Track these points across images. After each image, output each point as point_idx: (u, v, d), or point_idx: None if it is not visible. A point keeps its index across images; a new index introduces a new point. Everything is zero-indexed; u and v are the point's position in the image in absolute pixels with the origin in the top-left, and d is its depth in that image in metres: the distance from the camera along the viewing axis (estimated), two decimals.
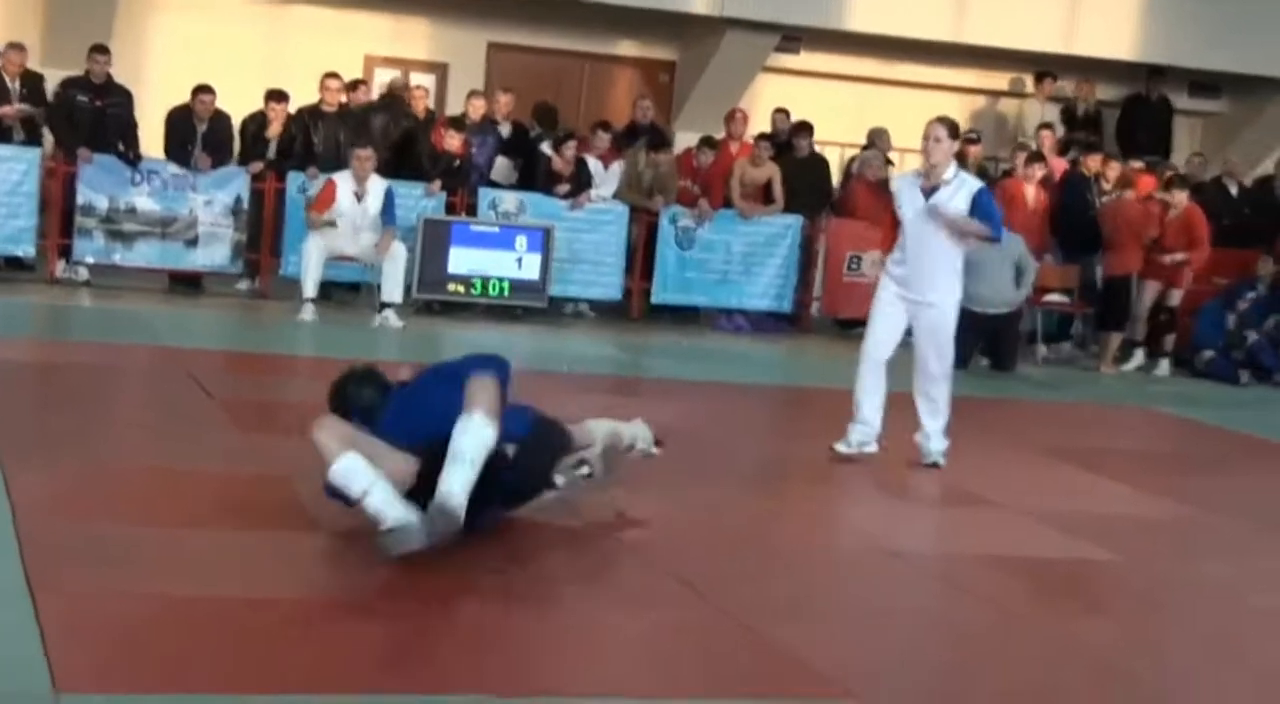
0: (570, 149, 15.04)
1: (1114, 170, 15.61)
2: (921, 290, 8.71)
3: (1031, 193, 15.45)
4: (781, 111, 16.70)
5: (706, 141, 15.79)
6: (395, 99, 15.72)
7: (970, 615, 6.20)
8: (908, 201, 8.71)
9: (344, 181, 13.32)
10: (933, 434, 8.94)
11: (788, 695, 5.07)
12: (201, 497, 6.88)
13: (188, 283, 14.60)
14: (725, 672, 5.23)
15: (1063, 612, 6.38)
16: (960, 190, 8.62)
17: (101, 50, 14.31)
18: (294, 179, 14.37)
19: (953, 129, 8.66)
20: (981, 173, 16.52)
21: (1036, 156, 15.71)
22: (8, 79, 14.12)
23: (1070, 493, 8.89)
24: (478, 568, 5.98)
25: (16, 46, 14.30)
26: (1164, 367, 14.95)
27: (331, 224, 13.20)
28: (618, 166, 15.31)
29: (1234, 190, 17.04)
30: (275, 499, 6.90)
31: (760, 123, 17.00)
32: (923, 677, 5.41)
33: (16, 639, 4.78)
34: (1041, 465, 9.70)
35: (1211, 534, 8.21)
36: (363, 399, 6.40)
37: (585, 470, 6.65)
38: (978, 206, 8.60)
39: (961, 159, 16.29)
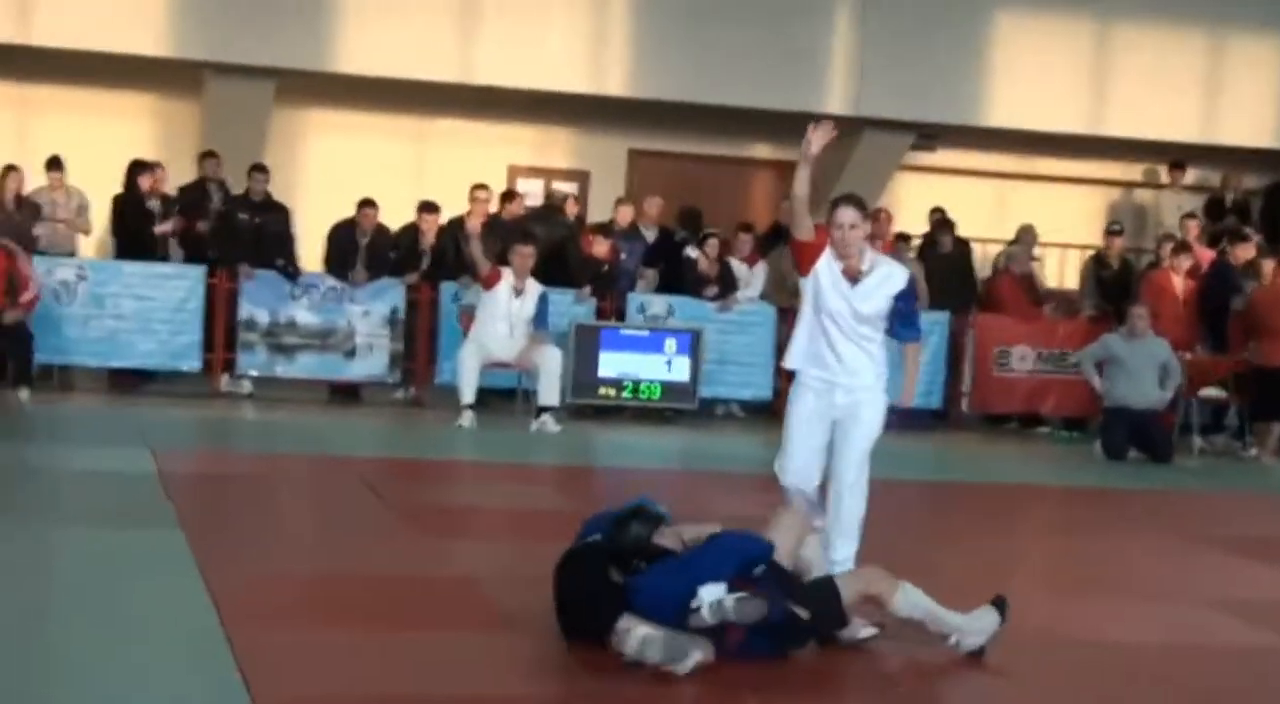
0: (714, 249, 15.24)
1: (1270, 264, 15.42)
2: (851, 387, 7.46)
3: (1179, 284, 15.42)
4: (937, 210, 16.79)
5: None
6: (553, 209, 16.06)
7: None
8: (832, 294, 7.35)
9: (506, 276, 13.62)
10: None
11: None
12: (398, 600, 7.04)
13: (346, 392, 14.91)
14: None
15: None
16: (886, 284, 7.36)
17: (260, 169, 14.80)
18: (447, 288, 14.69)
19: (862, 207, 7.36)
20: (1125, 265, 16.56)
21: (1183, 247, 15.68)
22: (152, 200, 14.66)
23: (1242, 582, 8.83)
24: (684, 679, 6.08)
25: (149, 166, 14.77)
26: None
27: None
28: (762, 267, 15.50)
29: None
30: (469, 601, 7.06)
31: (900, 220, 17.12)
32: None
33: None
34: (1207, 555, 9.64)
35: None
36: (639, 536, 6.37)
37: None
38: (904, 301, 7.42)
39: (1105, 252, 16.41)
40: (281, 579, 7.32)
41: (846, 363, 7.40)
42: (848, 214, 7.25)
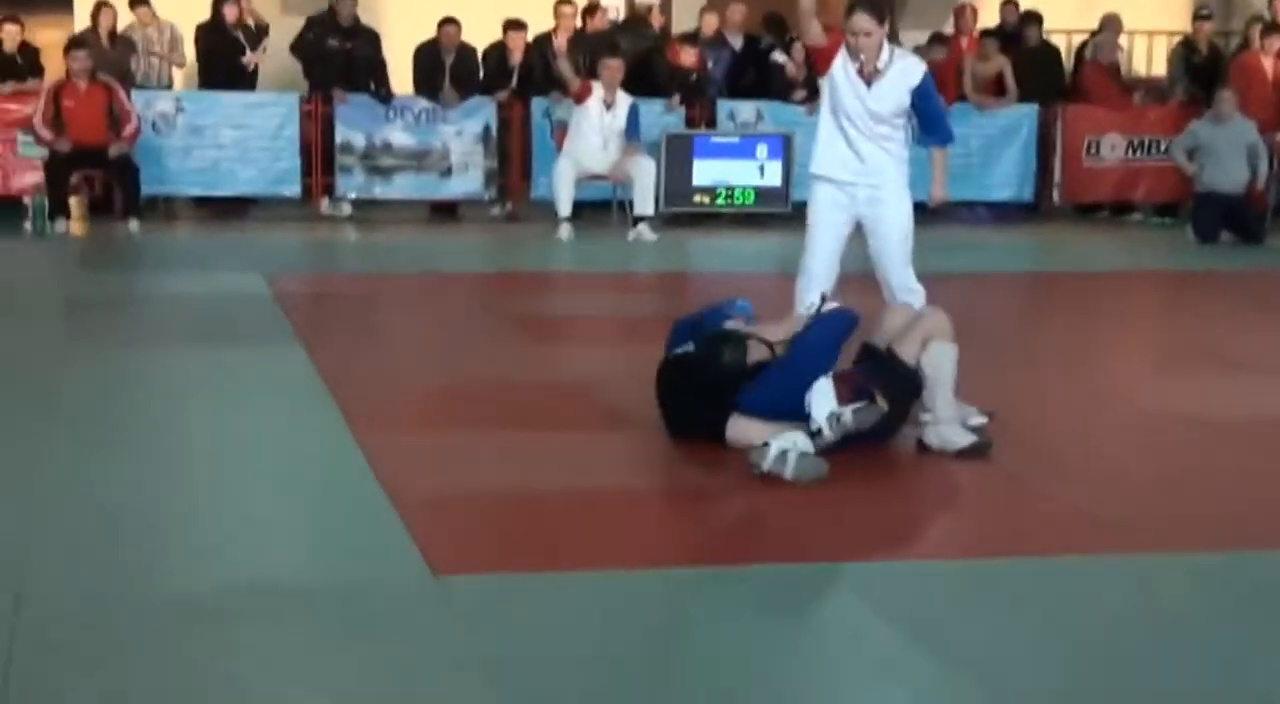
0: (800, 54, 15.25)
1: None
2: (872, 186, 7.51)
3: (1270, 65, 15.31)
4: (1011, 3, 16.68)
5: (937, 37, 15.90)
6: (637, 20, 16.13)
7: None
8: (848, 94, 7.36)
9: (596, 89, 13.77)
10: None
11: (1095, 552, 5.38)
12: (515, 404, 7.36)
13: (444, 211, 15.18)
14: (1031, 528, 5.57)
15: None
16: (901, 79, 7.35)
17: None
18: (538, 105, 14.85)
19: (878, 13, 7.21)
20: (1214, 49, 16.42)
21: (1273, 28, 15.53)
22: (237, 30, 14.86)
23: None
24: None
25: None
26: None
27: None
28: None
29: None
30: (582, 403, 7.38)
31: (988, 15, 17.02)
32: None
33: (386, 536, 5.27)
34: None
35: None
36: (735, 362, 6.51)
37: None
38: (921, 98, 7.39)
39: (1193, 37, 16.29)
40: (402, 388, 7.66)
41: (868, 163, 7.45)
42: (862, 20, 7.19)
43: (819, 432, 6.10)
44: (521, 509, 5.68)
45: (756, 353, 6.48)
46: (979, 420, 6.71)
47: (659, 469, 6.44)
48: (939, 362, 6.44)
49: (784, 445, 5.99)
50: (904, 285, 7.53)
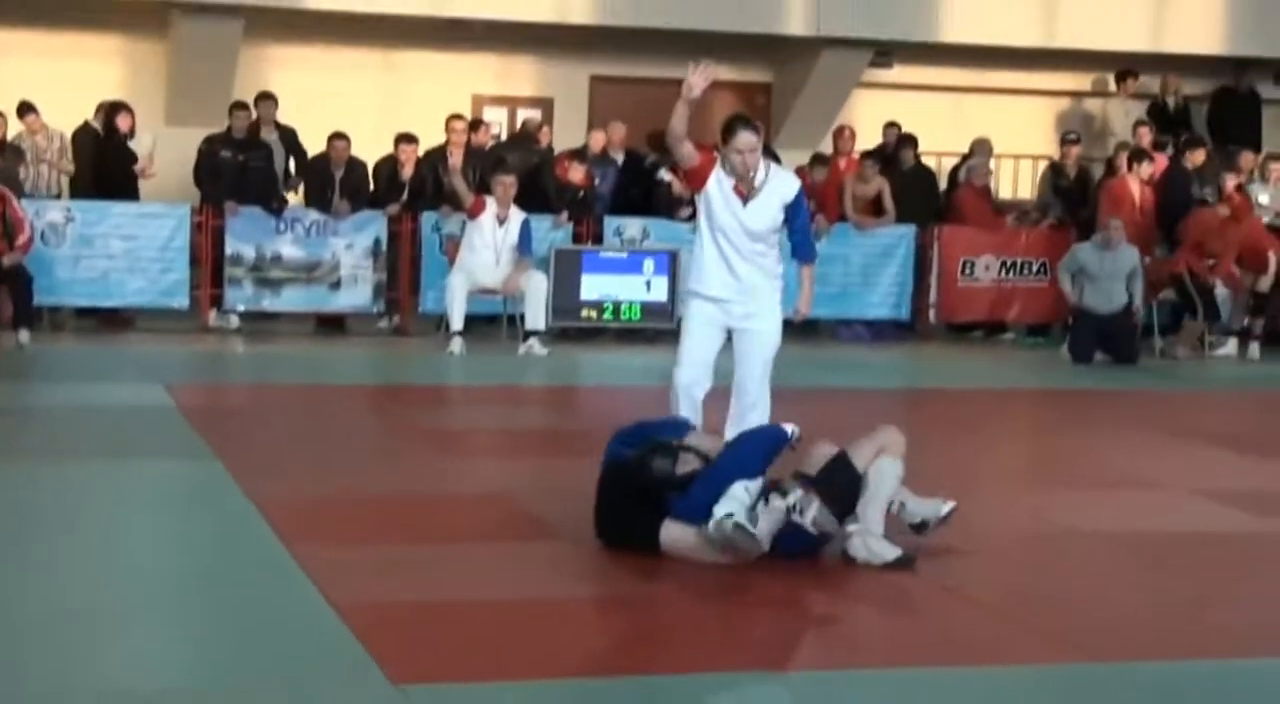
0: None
1: (1231, 182, 15.79)
2: (746, 302, 7.77)
3: (1138, 190, 15.89)
4: (893, 126, 17.16)
5: (818, 158, 16.33)
6: (525, 136, 16.37)
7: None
8: (723, 211, 7.60)
9: (489, 204, 13.96)
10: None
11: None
12: (436, 514, 7.47)
13: (332, 324, 15.23)
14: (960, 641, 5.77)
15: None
16: (776, 194, 7.66)
17: (241, 107, 15.07)
18: (428, 219, 15.00)
19: (758, 129, 7.59)
20: (1082, 173, 17.02)
21: (1141, 154, 16.13)
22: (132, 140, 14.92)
23: (1224, 472, 9.31)
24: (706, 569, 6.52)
25: (126, 107, 15.01)
26: (1254, 350, 15.28)
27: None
28: None
29: None
30: (506, 514, 7.49)
31: (864, 136, 17.48)
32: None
33: (341, 648, 5.33)
34: (1185, 448, 10.14)
35: None
36: (663, 471, 6.65)
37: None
38: (795, 213, 7.75)
39: (1061, 161, 16.86)
40: (324, 500, 7.71)
41: (743, 281, 7.74)
42: (748, 137, 7.49)
43: (794, 508, 6.30)
44: (476, 619, 5.76)
45: (688, 464, 6.63)
46: (949, 507, 6.86)
47: (593, 577, 6.54)
48: (885, 474, 6.64)
49: (725, 510, 6.23)
50: (761, 396, 7.83)
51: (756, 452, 6.68)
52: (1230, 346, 15.32)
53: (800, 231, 7.90)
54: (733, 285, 7.70)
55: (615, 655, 5.55)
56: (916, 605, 6.24)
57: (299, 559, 6.40)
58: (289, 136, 15.51)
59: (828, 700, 5.05)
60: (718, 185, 7.59)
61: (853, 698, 5.11)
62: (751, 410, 7.83)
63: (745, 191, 7.57)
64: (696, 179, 7.71)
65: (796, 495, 6.32)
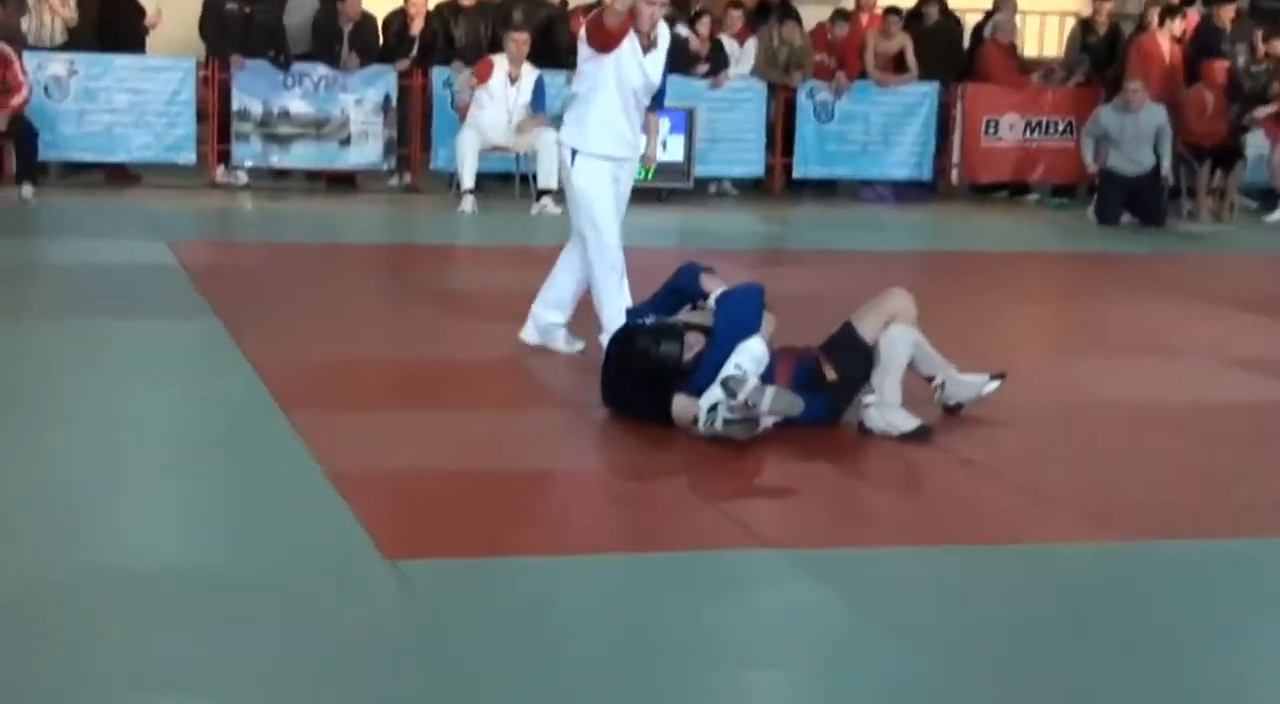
0: (705, 28, 15.21)
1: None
2: (635, 147, 7.70)
3: (1168, 47, 15.48)
4: None
5: (840, 14, 15.92)
6: None
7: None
8: (632, 68, 7.42)
9: (500, 63, 13.63)
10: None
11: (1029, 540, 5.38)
12: (444, 380, 7.28)
13: (342, 181, 14.95)
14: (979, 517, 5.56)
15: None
16: (663, 46, 7.57)
17: None
18: (439, 74, 14.66)
19: None
20: (1112, 30, 16.57)
21: (1172, 10, 15.69)
22: None
23: (1251, 340, 9.08)
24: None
25: None
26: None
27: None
28: (752, 44, 15.48)
29: None
30: (509, 380, 7.30)
31: None
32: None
33: (334, 521, 5.15)
34: (1213, 313, 9.89)
35: None
36: (671, 357, 6.38)
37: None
38: (667, 64, 7.67)
39: (1092, 17, 16.43)
40: (328, 364, 7.50)
41: (637, 136, 7.63)
42: None
43: (714, 408, 6.08)
44: (472, 491, 5.58)
45: (693, 346, 6.37)
46: (991, 387, 6.68)
47: (600, 449, 6.39)
48: (897, 344, 6.42)
49: (711, 401, 6.03)
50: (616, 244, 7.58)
51: (748, 309, 6.42)
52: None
53: (664, 79, 7.72)
54: (632, 142, 7.62)
55: (614, 532, 5.36)
56: (934, 481, 6.04)
57: (297, 427, 6.21)
58: None
59: (836, 578, 4.84)
60: (630, 43, 7.37)
61: (863, 576, 4.91)
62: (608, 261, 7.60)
63: (646, 44, 7.44)
64: (615, 37, 7.32)
65: (746, 391, 6.05)
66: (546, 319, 7.79)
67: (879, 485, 6.13)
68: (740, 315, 6.39)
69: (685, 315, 6.58)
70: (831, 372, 6.37)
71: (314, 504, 5.33)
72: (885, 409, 6.35)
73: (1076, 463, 6.32)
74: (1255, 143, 15.19)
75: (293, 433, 6.13)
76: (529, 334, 7.85)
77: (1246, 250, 13.51)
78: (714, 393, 6.11)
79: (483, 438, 6.29)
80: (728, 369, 6.09)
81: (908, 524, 5.52)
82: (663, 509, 5.62)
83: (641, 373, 6.37)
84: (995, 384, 6.70)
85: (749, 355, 6.17)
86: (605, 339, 7.07)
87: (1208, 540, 5.37)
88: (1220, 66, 15.32)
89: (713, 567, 4.92)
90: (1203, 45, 15.65)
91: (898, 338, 6.42)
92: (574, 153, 7.57)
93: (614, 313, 7.34)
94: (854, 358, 6.38)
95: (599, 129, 7.51)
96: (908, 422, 6.33)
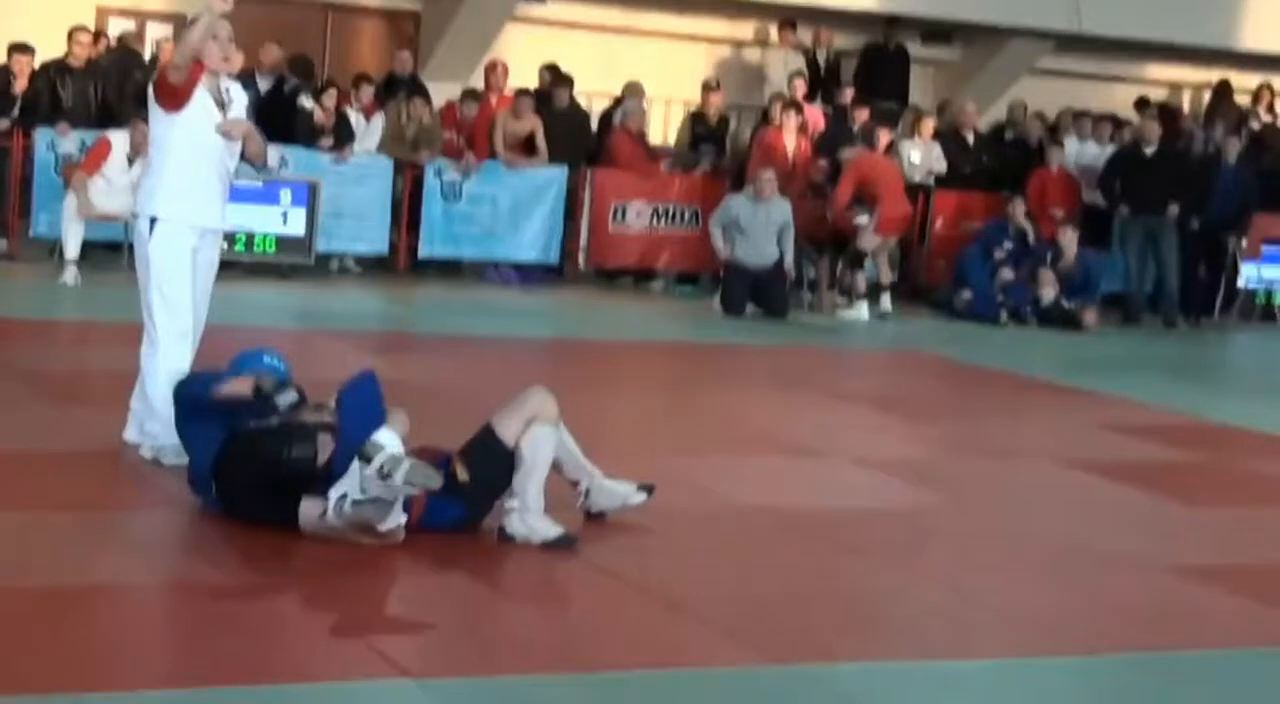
0: (331, 100, 14.75)
1: (884, 134, 15.81)
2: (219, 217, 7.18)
3: (791, 141, 15.67)
4: (550, 68, 16.56)
5: (470, 93, 15.65)
6: (127, 51, 15.20)
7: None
8: (208, 126, 6.88)
9: (119, 142, 12.85)
10: None
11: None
12: (32, 477, 6.59)
13: None
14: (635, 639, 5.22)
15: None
16: (241, 101, 7.06)
17: None
18: (43, 136, 13.79)
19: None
20: (723, 122, 16.76)
21: (793, 105, 15.92)
22: None
23: (879, 439, 9.05)
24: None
25: None
26: (885, 302, 15.10)
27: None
28: (380, 119, 15.08)
29: (970, 138, 17.45)
30: (114, 475, 6.69)
31: (516, 73, 16.83)
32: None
33: None
34: (840, 409, 9.88)
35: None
36: (304, 461, 5.92)
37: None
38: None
39: (703, 107, 16.58)
40: None
41: (222, 204, 7.10)
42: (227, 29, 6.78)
43: (344, 496, 5.67)
44: (39, 612, 4.96)
45: (326, 445, 5.90)
46: (638, 499, 6.41)
47: (209, 557, 5.77)
48: (539, 446, 6.06)
49: (340, 491, 5.62)
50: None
51: (369, 401, 5.99)
52: (861, 309, 14.96)
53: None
54: (220, 211, 7.05)
55: (225, 659, 4.72)
56: (579, 597, 5.68)
57: None
58: None
59: None
60: (201, 98, 6.78)
61: None
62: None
63: (222, 98, 6.86)
64: (185, 93, 6.73)
65: (383, 456, 5.63)
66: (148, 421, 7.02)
67: (522, 602, 5.73)
68: (363, 408, 5.95)
69: (306, 415, 6.09)
70: (464, 472, 5.98)
71: None
72: (528, 514, 5.98)
73: (723, 575, 6.05)
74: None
75: None
76: (131, 434, 7.15)
77: (867, 344, 13.65)
78: (343, 483, 5.65)
79: (64, 543, 5.66)
80: (334, 493, 5.65)
81: (551, 647, 5.13)
82: (258, 632, 5.01)
83: (268, 478, 5.84)
84: (642, 496, 6.43)
85: (352, 478, 5.72)
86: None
87: (866, 663, 5.14)
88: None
89: (339, 700, 4.45)
90: (834, 140, 15.82)
91: (540, 440, 6.06)
92: (153, 221, 6.90)
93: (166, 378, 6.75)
94: (491, 461, 6.00)
95: (179, 195, 6.88)
96: (551, 529, 5.98)
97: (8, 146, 13.86)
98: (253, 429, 6.02)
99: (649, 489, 6.45)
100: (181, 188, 6.88)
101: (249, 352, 6.65)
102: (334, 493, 5.69)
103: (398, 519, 5.74)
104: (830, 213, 15.01)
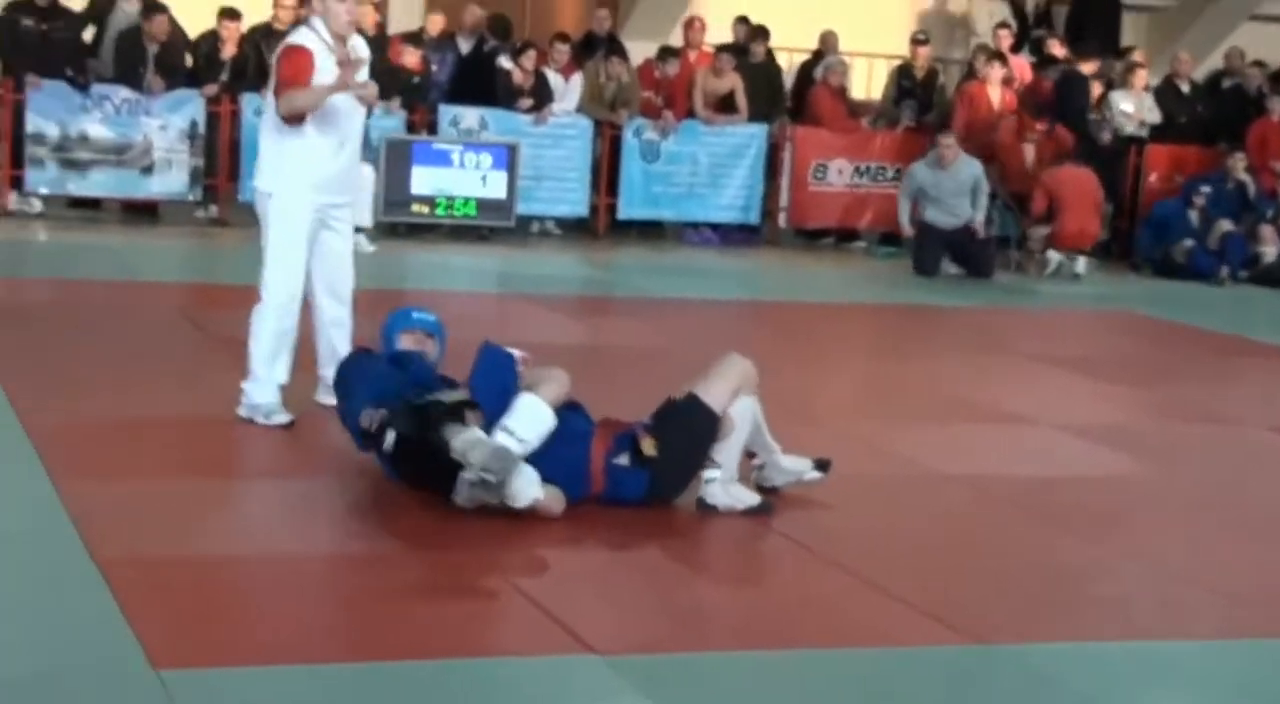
0: (530, 61, 14.72)
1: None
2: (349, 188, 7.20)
3: (996, 94, 15.31)
4: (742, 20, 16.36)
5: (667, 51, 15.53)
6: None
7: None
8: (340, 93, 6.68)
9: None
10: None
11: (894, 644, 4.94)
12: (234, 444, 6.68)
13: (143, 211, 14.21)
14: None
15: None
16: (364, 58, 6.87)
17: None
18: (250, 101, 13.96)
19: None
20: (930, 75, 16.38)
21: (998, 56, 15.55)
22: None
23: (1081, 404, 8.80)
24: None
25: None
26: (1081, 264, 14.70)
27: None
28: (578, 79, 15.02)
29: (1185, 88, 16.91)
30: (304, 445, 6.71)
31: (715, 29, 16.66)
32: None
33: (99, 615, 4.58)
34: (1042, 374, 9.62)
35: None
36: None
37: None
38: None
39: (910, 61, 16.20)
40: (108, 424, 6.88)
41: (351, 177, 7.06)
42: None
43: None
44: (252, 582, 5.04)
45: (474, 423, 5.75)
46: (813, 477, 6.25)
47: (380, 528, 5.72)
48: (745, 416, 5.99)
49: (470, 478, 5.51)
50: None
51: (505, 375, 5.86)
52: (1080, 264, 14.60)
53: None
54: (344, 186, 6.99)
55: (417, 635, 4.68)
56: (768, 570, 5.58)
57: (67, 501, 5.59)
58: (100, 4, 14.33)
59: (657, 687, 4.35)
60: (323, 65, 6.62)
61: (699, 687, 4.43)
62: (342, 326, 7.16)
63: (344, 61, 6.62)
64: (308, 60, 6.60)
65: (462, 439, 5.50)
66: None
67: (713, 576, 5.64)
68: (493, 381, 5.83)
69: (444, 395, 5.88)
70: (650, 446, 5.85)
71: (78, 599, 4.72)
72: (730, 484, 5.89)
73: (917, 549, 5.90)
74: None
75: (62, 509, 5.50)
76: (322, 396, 7.16)
77: (1069, 304, 13.27)
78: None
79: (265, 513, 5.73)
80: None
81: (745, 624, 5.02)
82: (450, 606, 5.01)
83: (435, 464, 5.71)
84: (817, 474, 6.26)
85: (519, 416, 5.61)
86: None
87: (1061, 643, 4.96)
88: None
89: (510, 675, 4.43)
90: (1070, 94, 15.38)
91: (746, 409, 5.97)
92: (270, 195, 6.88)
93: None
94: (694, 432, 5.88)
95: (297, 164, 6.79)
96: (752, 497, 5.89)
97: (217, 112, 14.09)
98: (421, 405, 5.88)
99: (824, 466, 6.27)
100: (301, 160, 6.78)
101: (399, 311, 6.59)
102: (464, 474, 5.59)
103: (531, 495, 5.61)
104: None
